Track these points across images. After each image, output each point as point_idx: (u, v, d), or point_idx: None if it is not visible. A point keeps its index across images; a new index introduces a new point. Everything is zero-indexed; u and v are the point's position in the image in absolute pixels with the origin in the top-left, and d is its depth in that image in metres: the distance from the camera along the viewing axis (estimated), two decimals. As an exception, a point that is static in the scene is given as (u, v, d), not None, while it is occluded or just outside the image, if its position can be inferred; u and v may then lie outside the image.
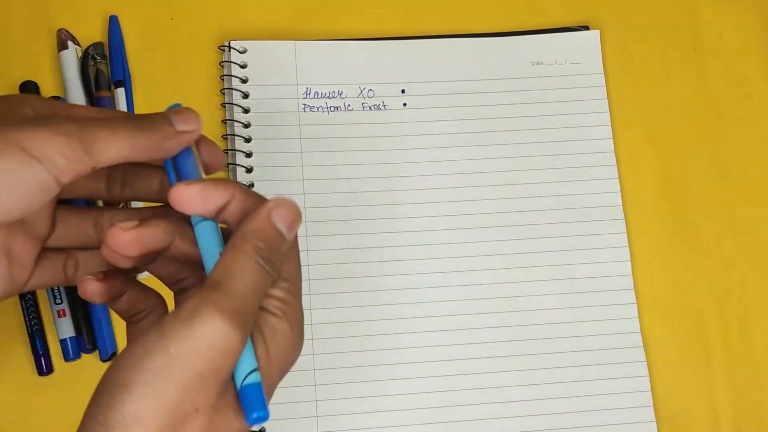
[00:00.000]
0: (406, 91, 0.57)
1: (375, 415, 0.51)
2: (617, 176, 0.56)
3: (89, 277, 0.34)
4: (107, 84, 0.56)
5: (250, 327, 0.31)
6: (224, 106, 0.56)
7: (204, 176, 0.35)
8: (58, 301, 0.52)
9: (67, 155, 0.30)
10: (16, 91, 0.55)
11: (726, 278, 0.56)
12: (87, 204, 0.45)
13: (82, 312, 0.52)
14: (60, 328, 0.52)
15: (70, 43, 0.56)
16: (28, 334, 0.51)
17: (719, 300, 0.55)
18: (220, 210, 0.33)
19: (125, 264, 0.34)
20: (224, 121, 0.55)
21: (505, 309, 0.53)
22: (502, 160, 0.56)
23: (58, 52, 0.56)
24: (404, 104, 0.57)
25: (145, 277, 0.54)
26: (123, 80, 0.56)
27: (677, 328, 0.55)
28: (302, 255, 0.52)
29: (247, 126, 0.55)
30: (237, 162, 0.54)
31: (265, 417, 0.30)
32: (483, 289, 0.54)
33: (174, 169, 0.35)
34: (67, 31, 0.56)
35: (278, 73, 0.56)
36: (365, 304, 0.52)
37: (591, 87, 0.58)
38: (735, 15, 0.60)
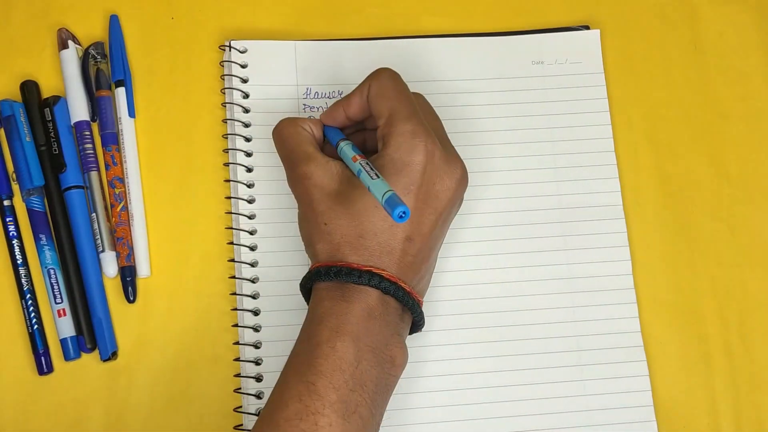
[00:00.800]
0: (406, 90, 0.57)
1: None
2: (617, 176, 0.56)
3: None
4: (107, 83, 0.56)
5: None
6: (224, 106, 0.56)
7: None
8: (58, 300, 0.52)
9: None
10: (16, 89, 0.55)
11: (726, 278, 0.56)
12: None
13: (83, 312, 0.52)
14: (60, 327, 0.52)
15: (70, 42, 0.56)
16: (28, 333, 0.51)
17: (719, 300, 0.55)
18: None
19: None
20: (224, 121, 0.55)
21: (504, 308, 0.53)
22: (502, 159, 0.56)
23: (59, 51, 0.56)
24: (404, 104, 0.57)
25: (145, 277, 0.55)
26: (123, 79, 0.56)
27: (677, 327, 0.55)
28: (302, 255, 0.53)
29: (247, 126, 0.55)
30: (237, 162, 0.54)
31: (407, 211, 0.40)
32: (483, 287, 0.53)
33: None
34: (67, 30, 0.56)
35: (278, 72, 0.56)
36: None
37: (591, 86, 0.58)
38: (735, 14, 0.60)
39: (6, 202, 0.53)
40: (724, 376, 0.54)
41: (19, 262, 0.52)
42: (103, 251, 0.53)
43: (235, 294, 0.53)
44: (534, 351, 0.53)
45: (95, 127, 0.55)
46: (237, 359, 0.51)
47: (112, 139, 0.55)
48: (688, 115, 0.59)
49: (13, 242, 0.53)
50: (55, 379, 0.51)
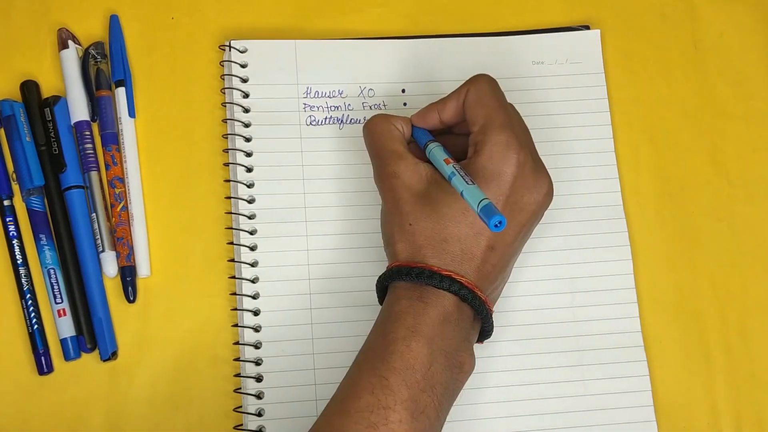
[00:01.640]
0: (406, 90, 0.57)
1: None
2: (617, 176, 0.56)
3: None
4: (107, 83, 0.56)
5: None
6: (224, 106, 0.56)
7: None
8: (59, 300, 0.52)
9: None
10: (16, 89, 0.55)
11: (726, 278, 0.56)
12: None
13: (83, 312, 0.52)
14: (60, 327, 0.52)
15: (70, 42, 0.56)
16: (28, 333, 0.51)
17: (719, 300, 0.55)
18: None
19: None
20: (224, 121, 0.55)
21: (505, 308, 0.53)
22: (502, 159, 0.56)
23: (59, 51, 0.56)
24: (404, 104, 0.57)
25: (145, 277, 0.55)
26: (123, 79, 0.56)
27: (678, 327, 0.55)
28: (302, 255, 0.53)
29: (247, 126, 0.55)
30: (237, 162, 0.54)
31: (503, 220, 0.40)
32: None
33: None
34: (67, 30, 0.56)
35: (278, 72, 0.56)
36: (365, 303, 0.52)
37: (591, 86, 0.58)
38: (735, 14, 0.60)
39: (6, 202, 0.53)
40: (724, 376, 0.54)
41: (19, 262, 0.52)
42: (103, 251, 0.53)
43: (235, 294, 0.53)
44: (534, 350, 0.53)
45: (95, 127, 0.55)
46: (237, 359, 0.51)
47: (112, 139, 0.55)
48: (688, 115, 0.59)
49: (13, 242, 0.53)
50: (55, 379, 0.51)
